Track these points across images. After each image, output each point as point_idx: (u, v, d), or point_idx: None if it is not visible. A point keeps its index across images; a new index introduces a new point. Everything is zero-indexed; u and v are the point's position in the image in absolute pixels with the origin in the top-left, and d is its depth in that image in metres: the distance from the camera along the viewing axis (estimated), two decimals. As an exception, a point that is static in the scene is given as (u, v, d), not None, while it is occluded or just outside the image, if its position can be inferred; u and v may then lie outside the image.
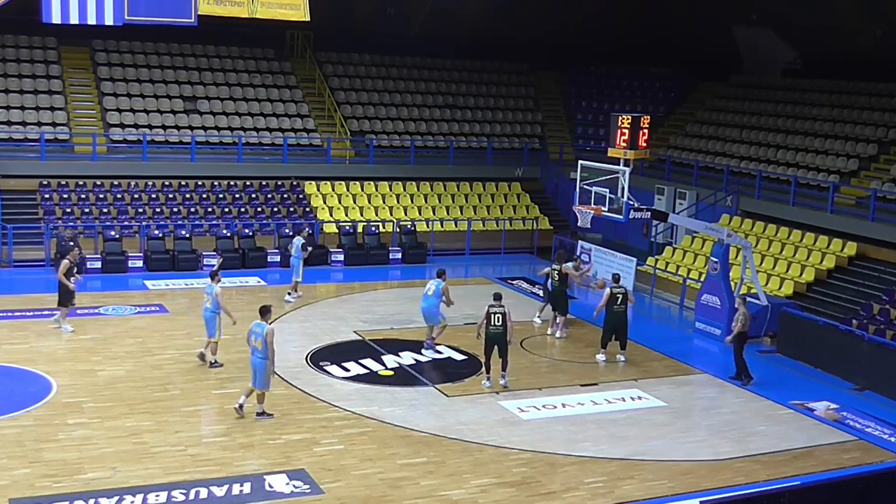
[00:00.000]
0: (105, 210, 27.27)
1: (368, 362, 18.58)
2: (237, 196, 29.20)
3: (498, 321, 17.30)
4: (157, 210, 27.78)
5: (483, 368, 17.90)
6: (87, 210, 26.97)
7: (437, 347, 19.65)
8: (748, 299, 21.88)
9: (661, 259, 27.20)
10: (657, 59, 36.06)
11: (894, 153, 26.77)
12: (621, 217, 20.96)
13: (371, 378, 17.81)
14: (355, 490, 13.15)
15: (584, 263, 25.38)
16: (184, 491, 12.75)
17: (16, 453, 13.65)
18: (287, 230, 27.39)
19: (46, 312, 20.94)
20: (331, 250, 27.60)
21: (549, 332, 21.39)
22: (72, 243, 22.65)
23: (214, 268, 20.19)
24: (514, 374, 18.41)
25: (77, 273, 20.21)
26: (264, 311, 15.49)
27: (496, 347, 17.46)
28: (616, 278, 20.22)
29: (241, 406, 15.49)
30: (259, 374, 15.32)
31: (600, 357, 19.58)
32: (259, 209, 28.81)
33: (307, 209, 29.43)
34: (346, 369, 18.17)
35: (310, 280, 25.46)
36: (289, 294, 23.16)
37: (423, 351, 19.42)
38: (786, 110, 30.90)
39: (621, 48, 36.35)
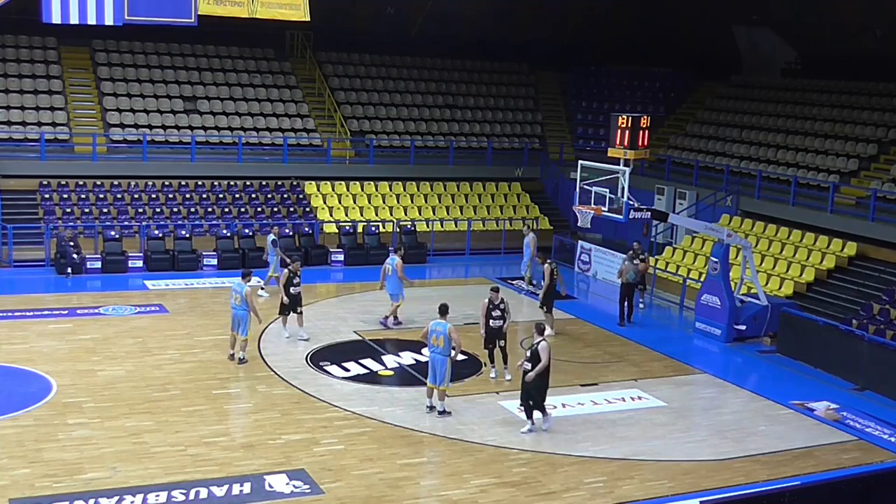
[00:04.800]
0: (105, 210, 27.26)
1: (368, 362, 18.58)
2: (237, 196, 29.19)
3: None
4: (157, 210, 27.77)
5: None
6: (87, 210, 26.96)
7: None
8: (748, 299, 21.96)
9: (661, 259, 27.19)
10: (657, 59, 36.04)
11: (894, 153, 26.77)
12: (621, 217, 20.98)
13: (371, 378, 17.81)
14: (355, 490, 13.15)
15: (584, 264, 25.41)
16: (184, 491, 12.75)
17: (16, 453, 13.64)
18: (287, 230, 27.40)
19: (46, 312, 20.96)
20: (331, 250, 27.59)
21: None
22: (294, 256, 21.34)
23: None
24: (514, 375, 18.41)
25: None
26: (444, 310, 15.98)
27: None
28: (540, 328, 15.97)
29: (432, 407, 15.96)
30: (439, 370, 15.65)
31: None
32: (259, 209, 28.79)
33: (307, 209, 29.42)
34: (346, 369, 18.17)
35: (310, 280, 25.45)
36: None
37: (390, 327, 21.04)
38: (786, 110, 30.88)
39: (621, 48, 36.34)
